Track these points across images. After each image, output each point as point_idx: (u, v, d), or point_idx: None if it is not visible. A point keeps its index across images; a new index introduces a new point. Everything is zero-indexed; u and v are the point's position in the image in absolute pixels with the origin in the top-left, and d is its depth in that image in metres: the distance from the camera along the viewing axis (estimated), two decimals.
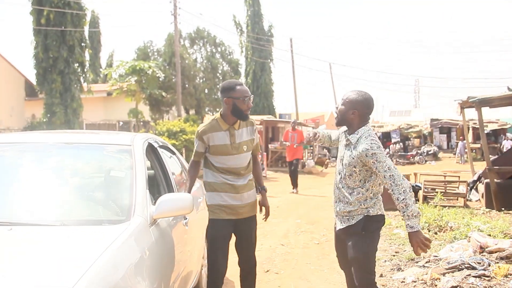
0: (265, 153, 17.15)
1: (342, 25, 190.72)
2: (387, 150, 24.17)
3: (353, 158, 2.94)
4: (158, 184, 3.36)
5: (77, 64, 20.94)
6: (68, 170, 2.94)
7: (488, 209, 8.21)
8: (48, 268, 1.86)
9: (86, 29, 23.50)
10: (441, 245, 5.52)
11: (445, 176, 10.51)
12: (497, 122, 29.60)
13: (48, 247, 2.08)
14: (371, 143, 2.88)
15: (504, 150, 20.17)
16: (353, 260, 3.00)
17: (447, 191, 9.32)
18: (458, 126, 29.77)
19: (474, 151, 23.05)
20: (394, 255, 5.42)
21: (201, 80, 27.57)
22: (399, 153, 25.67)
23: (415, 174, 10.99)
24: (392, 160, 2.99)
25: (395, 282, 4.44)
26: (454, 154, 26.82)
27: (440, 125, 32.39)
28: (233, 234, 3.50)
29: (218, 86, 24.39)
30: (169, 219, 2.85)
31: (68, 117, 20.20)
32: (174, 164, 3.98)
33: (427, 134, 32.79)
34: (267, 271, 5.10)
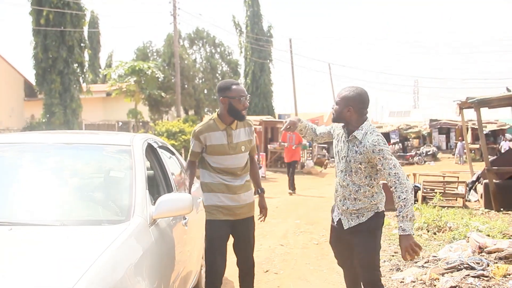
0: (264, 154, 17.15)
1: (341, 25, 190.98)
2: None
3: (360, 154, 2.88)
4: (157, 184, 3.36)
5: (77, 65, 20.95)
6: (68, 170, 2.94)
7: (487, 210, 8.23)
8: (48, 268, 1.86)
9: (86, 29, 23.51)
10: (440, 245, 5.53)
11: (444, 177, 10.53)
12: (496, 123, 29.56)
13: (48, 247, 2.08)
14: (378, 139, 2.83)
15: (502, 151, 20.16)
16: (363, 258, 2.96)
17: (446, 191, 9.34)
18: (457, 127, 29.77)
19: (473, 151, 23.05)
20: (393, 255, 5.43)
21: (200, 81, 27.57)
22: (398, 154, 25.68)
23: (414, 175, 10.99)
24: None
25: (394, 282, 4.45)
26: (453, 154, 26.86)
27: (439, 126, 32.41)
28: (231, 235, 3.50)
29: None
30: (169, 219, 2.85)
31: (67, 118, 20.19)
32: (174, 165, 3.98)
33: (426, 134, 32.75)
34: (267, 271, 5.10)
